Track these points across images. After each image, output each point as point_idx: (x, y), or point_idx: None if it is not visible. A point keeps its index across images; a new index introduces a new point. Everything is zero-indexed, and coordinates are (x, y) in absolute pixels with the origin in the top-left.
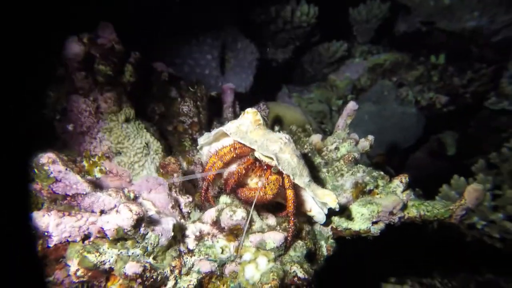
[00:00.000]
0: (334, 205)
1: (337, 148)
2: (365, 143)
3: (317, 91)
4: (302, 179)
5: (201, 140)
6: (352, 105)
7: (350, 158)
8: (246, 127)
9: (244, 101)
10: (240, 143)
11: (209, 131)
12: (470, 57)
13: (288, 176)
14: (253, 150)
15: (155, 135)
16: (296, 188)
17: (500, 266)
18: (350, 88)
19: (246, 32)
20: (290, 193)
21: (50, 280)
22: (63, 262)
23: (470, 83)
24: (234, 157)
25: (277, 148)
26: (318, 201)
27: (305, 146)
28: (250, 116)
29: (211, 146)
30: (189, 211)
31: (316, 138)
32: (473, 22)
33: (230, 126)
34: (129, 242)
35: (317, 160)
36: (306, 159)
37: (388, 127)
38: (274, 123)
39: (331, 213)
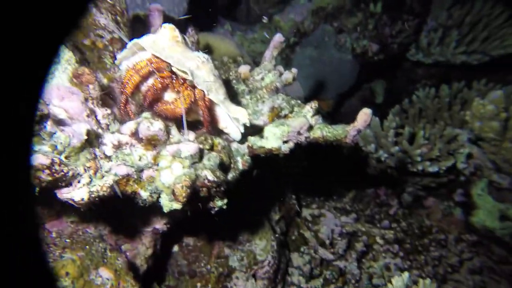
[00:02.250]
0: (245, 120)
1: (262, 78)
2: (289, 75)
3: (260, 31)
4: (217, 96)
5: (119, 55)
6: (278, 37)
7: (272, 87)
8: (163, 43)
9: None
10: (157, 57)
11: None
12: (403, 9)
13: (202, 91)
14: (170, 65)
15: (66, 46)
16: (212, 104)
17: (391, 189)
18: (293, 31)
19: None
20: (203, 107)
21: None
22: None
23: (398, 34)
24: (150, 71)
25: (193, 64)
26: (233, 118)
27: (231, 73)
28: (167, 32)
29: (129, 61)
30: (108, 123)
31: (244, 68)
32: None
33: (145, 39)
34: (34, 139)
35: (242, 87)
36: (230, 85)
37: (327, 72)
38: (206, 52)
39: (248, 133)
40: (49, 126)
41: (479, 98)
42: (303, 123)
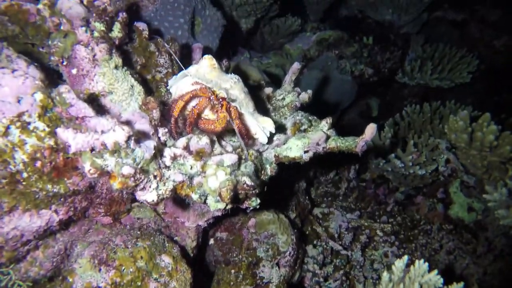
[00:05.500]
0: (271, 128)
1: (283, 98)
2: (305, 95)
3: (274, 57)
4: (248, 109)
5: (169, 82)
6: (296, 65)
7: (292, 105)
8: (203, 70)
9: None
10: (198, 82)
11: None
12: (389, 42)
13: (235, 107)
14: (209, 87)
15: (138, 81)
16: (243, 117)
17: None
18: (301, 57)
19: (214, 2)
20: (237, 120)
21: (70, 181)
22: (79, 168)
23: (387, 61)
24: (191, 97)
25: (228, 85)
26: (261, 126)
27: (258, 94)
28: (207, 61)
29: (177, 86)
30: (166, 139)
31: (268, 90)
32: (389, 17)
33: (190, 69)
34: (123, 154)
35: (267, 106)
36: (259, 102)
37: (331, 90)
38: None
39: (273, 146)
40: (132, 143)
41: (453, 116)
42: (322, 135)
